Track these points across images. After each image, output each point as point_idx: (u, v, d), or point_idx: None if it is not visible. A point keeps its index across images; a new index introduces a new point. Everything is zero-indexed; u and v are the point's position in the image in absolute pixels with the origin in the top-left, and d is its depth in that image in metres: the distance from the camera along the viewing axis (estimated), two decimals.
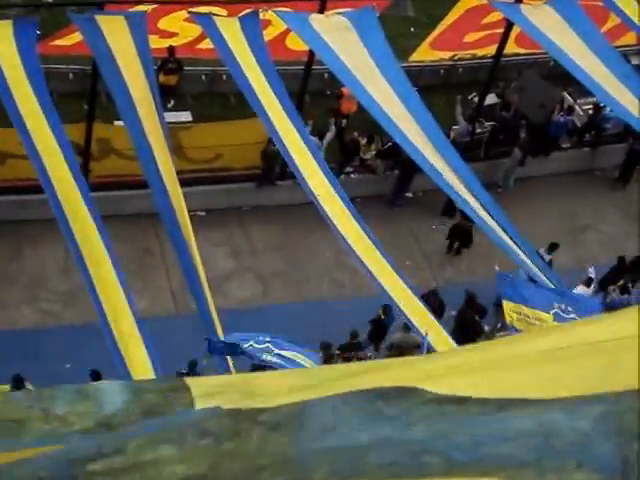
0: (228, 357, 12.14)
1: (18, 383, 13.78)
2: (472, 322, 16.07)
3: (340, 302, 16.22)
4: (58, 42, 18.35)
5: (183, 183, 13.18)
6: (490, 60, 19.44)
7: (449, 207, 19.07)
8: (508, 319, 12.48)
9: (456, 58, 21.05)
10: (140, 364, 11.59)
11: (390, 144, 18.76)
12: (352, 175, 19.47)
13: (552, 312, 12.39)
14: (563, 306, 12.45)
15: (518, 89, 20.30)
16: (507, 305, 12.41)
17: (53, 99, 17.31)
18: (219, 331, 12.15)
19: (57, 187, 12.67)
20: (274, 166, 18.59)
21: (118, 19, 14.68)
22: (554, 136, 20.24)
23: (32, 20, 15.17)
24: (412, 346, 15.26)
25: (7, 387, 13.83)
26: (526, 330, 12.27)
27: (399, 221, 19.28)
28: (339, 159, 19.01)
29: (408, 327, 14.13)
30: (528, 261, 13.30)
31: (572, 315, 12.44)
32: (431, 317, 12.94)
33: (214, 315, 12.19)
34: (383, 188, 19.84)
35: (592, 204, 19.73)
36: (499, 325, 16.63)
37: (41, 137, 13.18)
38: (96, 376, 14.12)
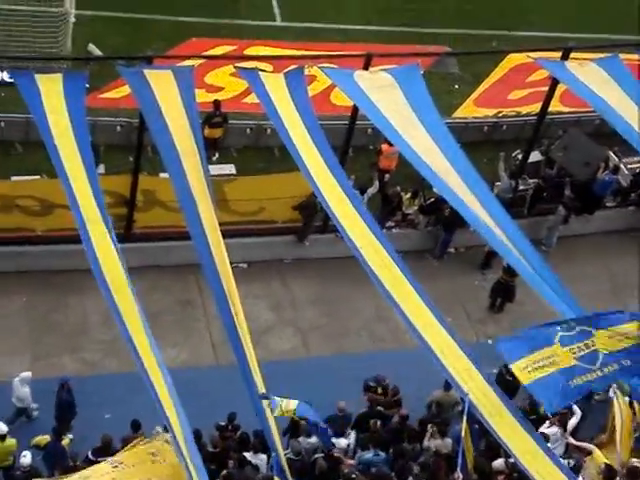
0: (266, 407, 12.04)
1: (58, 434, 13.82)
2: (510, 382, 15.87)
3: (381, 354, 16.12)
4: (107, 95, 18.71)
5: (225, 235, 13.25)
6: (534, 118, 19.43)
7: (488, 260, 18.98)
8: (525, 381, 12.22)
9: (500, 115, 21.08)
10: (175, 417, 11.53)
11: (432, 199, 18.77)
12: (394, 229, 19.46)
13: (556, 340, 12.15)
14: (564, 325, 12.19)
15: (563, 147, 20.24)
16: (516, 367, 12.20)
17: (100, 151, 17.69)
18: (259, 384, 12.10)
19: (93, 237, 12.80)
20: (312, 219, 18.68)
21: (166, 73, 14.93)
22: (599, 195, 20.10)
23: (81, 74, 15.46)
24: (452, 404, 15.11)
25: (47, 437, 13.87)
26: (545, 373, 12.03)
27: (441, 276, 19.20)
28: (380, 213, 19.04)
29: (449, 385, 13.97)
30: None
31: (577, 329, 12.11)
32: (477, 374, 12.70)
33: (255, 368, 12.14)
34: (424, 243, 19.80)
35: (636, 264, 19.48)
36: None
37: (79, 188, 13.37)
38: (137, 426, 14.13)
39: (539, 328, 12.34)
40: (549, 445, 13.82)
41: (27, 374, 15.17)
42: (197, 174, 13.77)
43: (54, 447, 13.68)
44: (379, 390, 15.33)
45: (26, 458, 13.51)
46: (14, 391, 15.21)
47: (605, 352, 12.15)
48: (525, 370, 11.99)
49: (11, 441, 13.85)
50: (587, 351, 12.11)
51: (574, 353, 12.07)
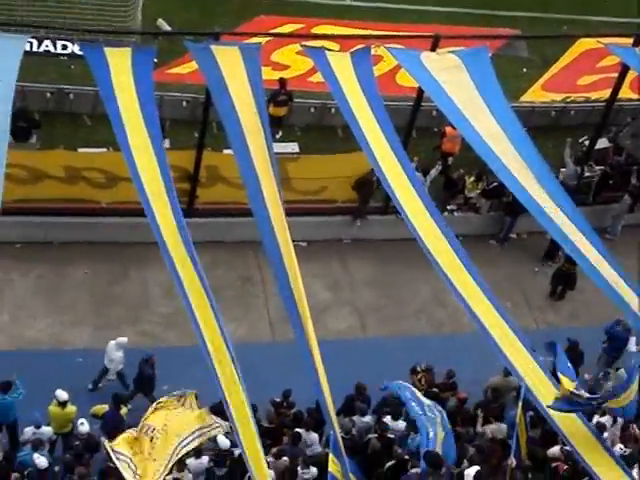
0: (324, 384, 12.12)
1: (117, 402, 14.03)
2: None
3: (437, 338, 16.13)
4: (174, 70, 18.85)
5: (287, 213, 13.29)
6: (603, 104, 19.13)
7: (552, 250, 18.76)
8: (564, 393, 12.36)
9: (568, 100, 20.78)
10: (234, 387, 11.64)
11: (496, 183, 18.61)
12: (455, 213, 19.35)
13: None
14: None
15: (631, 134, 19.90)
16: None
17: (166, 126, 17.84)
18: (317, 361, 12.14)
19: (156, 212, 12.91)
20: (369, 198, 18.66)
21: (233, 50, 14.97)
22: None
23: (150, 48, 15.59)
24: (510, 390, 14.99)
25: (106, 407, 14.10)
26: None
27: (501, 262, 19.06)
28: (442, 196, 18.94)
29: (508, 371, 13.88)
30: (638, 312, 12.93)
31: None
32: (533, 361, 12.64)
33: (313, 345, 12.18)
34: (486, 228, 19.65)
35: None
36: (601, 374, 16.24)
37: (144, 161, 13.48)
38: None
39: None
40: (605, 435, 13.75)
41: (123, 339, 15.45)
42: (261, 151, 13.81)
43: (112, 416, 13.90)
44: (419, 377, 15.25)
45: (84, 426, 13.77)
46: (107, 353, 15.50)
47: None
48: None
49: (71, 408, 14.12)
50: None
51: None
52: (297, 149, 19.46)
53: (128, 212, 17.07)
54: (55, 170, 17.46)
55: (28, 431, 13.81)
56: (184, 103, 19.89)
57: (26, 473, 12.79)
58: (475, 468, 12.77)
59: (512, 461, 12.76)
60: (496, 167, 14.34)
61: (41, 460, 12.89)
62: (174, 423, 12.31)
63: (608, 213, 19.75)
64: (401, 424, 14.48)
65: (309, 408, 14.25)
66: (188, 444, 12.31)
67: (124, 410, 14.08)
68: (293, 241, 12.87)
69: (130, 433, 12.41)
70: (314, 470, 13.27)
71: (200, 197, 18.20)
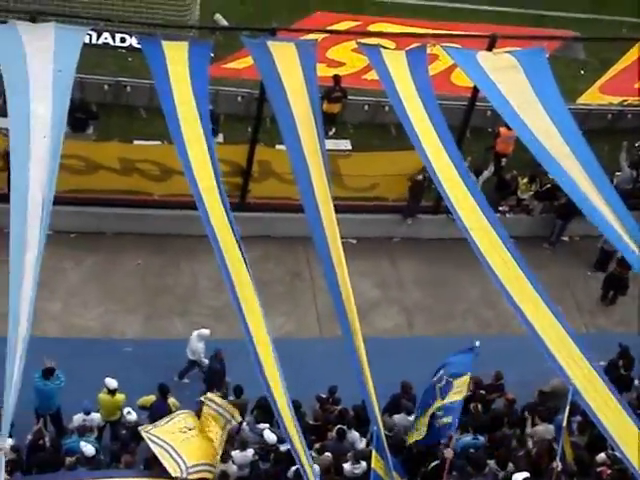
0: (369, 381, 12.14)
1: (164, 393, 14.17)
2: (622, 375, 15.56)
3: (485, 339, 15.98)
4: (230, 65, 18.99)
5: (337, 210, 13.33)
6: None
7: (602, 260, 18.52)
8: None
9: (625, 104, 20.53)
10: (277, 384, 11.72)
11: (549, 185, 18.46)
12: (507, 214, 19.22)
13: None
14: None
15: None
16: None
17: (220, 120, 17.97)
18: (362, 359, 12.17)
19: (207, 205, 13.01)
20: (420, 198, 18.62)
21: (289, 46, 15.03)
22: None
23: (206, 43, 15.71)
24: (566, 393, 14.82)
25: (153, 397, 14.24)
26: None
27: (552, 264, 18.90)
28: (494, 197, 18.83)
29: None
30: None
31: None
32: (588, 365, 12.50)
33: (359, 343, 12.21)
34: (538, 230, 19.50)
35: None
36: None
37: (196, 156, 13.59)
38: (239, 392, 14.41)
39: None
40: None
41: (206, 331, 15.51)
42: (313, 148, 13.86)
43: (160, 406, 14.04)
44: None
45: (131, 415, 13.91)
46: (189, 344, 15.64)
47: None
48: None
49: (120, 396, 14.28)
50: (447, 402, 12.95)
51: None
52: (349, 146, 19.47)
53: (180, 205, 17.24)
54: (110, 161, 17.68)
55: (78, 418, 13.98)
56: (239, 98, 20.00)
57: (74, 460, 12.97)
58: (524, 475, 12.68)
59: (558, 464, 12.67)
60: (551, 168, 14.24)
61: (88, 448, 13.07)
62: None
63: None
64: None
65: (355, 405, 14.26)
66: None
67: (172, 400, 14.21)
68: (342, 238, 12.91)
69: (169, 425, 12.58)
70: (364, 464, 13.29)
71: (252, 191, 18.30)
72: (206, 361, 15.62)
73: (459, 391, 12.90)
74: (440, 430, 13.02)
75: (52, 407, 14.33)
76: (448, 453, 12.98)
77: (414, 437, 13.39)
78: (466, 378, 13.02)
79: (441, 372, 13.29)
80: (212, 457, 12.51)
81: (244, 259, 12.58)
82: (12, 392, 10.34)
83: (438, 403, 13.00)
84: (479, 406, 14.72)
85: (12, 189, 12.16)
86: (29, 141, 12.36)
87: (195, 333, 15.66)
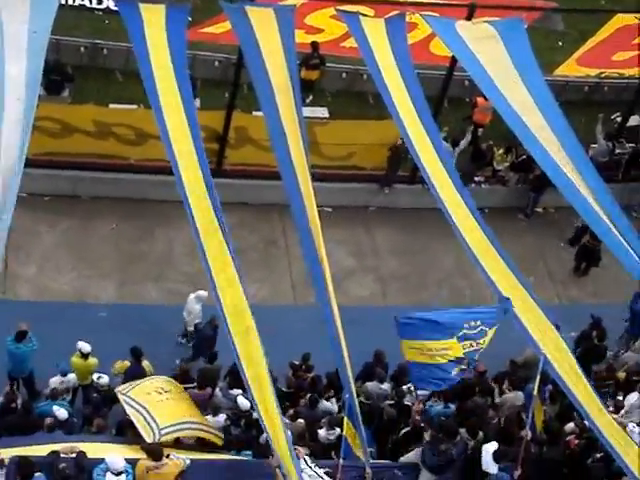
0: (344, 350, 12.18)
1: (137, 356, 14.18)
2: (595, 346, 15.73)
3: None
4: (207, 29, 18.81)
5: (313, 178, 13.31)
6: (637, 81, 18.93)
7: (577, 237, 18.61)
8: (408, 357, 12.34)
9: (602, 76, 20.58)
10: (252, 357, 11.73)
11: (524, 157, 18.52)
12: (482, 185, 19.28)
13: (455, 337, 12.15)
14: (472, 323, 12.25)
15: None
16: (405, 344, 12.27)
17: (197, 85, 17.84)
18: (338, 326, 12.22)
19: (183, 170, 12.93)
20: (398, 167, 18.63)
21: (267, 11, 14.92)
22: None
23: (184, 6, 15.56)
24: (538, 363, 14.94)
25: (127, 363, 14.23)
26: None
27: (526, 236, 19.01)
28: (470, 167, 18.87)
29: None
30: None
31: (480, 328, 12.24)
32: (557, 336, 12.65)
33: (335, 310, 12.25)
34: (513, 200, 19.58)
35: None
36: (622, 352, 16.22)
37: (174, 120, 13.49)
38: (213, 358, 14.45)
39: (447, 318, 12.34)
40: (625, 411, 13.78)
41: (203, 293, 15.29)
42: (291, 114, 13.79)
43: (134, 370, 14.06)
44: None
45: (103, 378, 13.92)
46: (186, 305, 15.60)
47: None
48: (413, 349, 12.24)
49: (93, 360, 14.27)
50: (474, 348, 12.36)
51: (465, 348, 12.30)
52: (327, 114, 19.42)
53: (156, 170, 17.16)
54: (85, 124, 17.55)
55: (55, 380, 13.98)
56: (216, 63, 19.87)
57: (51, 422, 12.97)
58: (494, 445, 12.82)
59: (527, 433, 12.81)
60: (526, 139, 14.28)
61: (61, 412, 13.08)
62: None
63: (638, 191, 19.61)
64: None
65: (328, 372, 14.35)
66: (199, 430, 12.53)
67: (145, 363, 14.22)
68: (319, 206, 12.90)
69: (145, 385, 12.58)
70: (338, 431, 13.39)
71: (229, 158, 18.24)
72: (197, 322, 15.57)
73: (482, 342, 12.54)
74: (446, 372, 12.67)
75: (24, 370, 14.32)
76: (417, 406, 13.11)
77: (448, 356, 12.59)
78: (493, 331, 12.59)
79: (473, 316, 12.65)
80: (195, 415, 12.53)
81: (221, 225, 12.52)
82: None
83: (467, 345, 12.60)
84: None
85: None
86: (2, 103, 12.23)
87: (192, 295, 15.60)
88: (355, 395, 12.41)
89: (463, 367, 12.48)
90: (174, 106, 13.64)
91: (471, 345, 12.30)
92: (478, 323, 12.28)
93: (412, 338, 12.26)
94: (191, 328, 15.72)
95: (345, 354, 12.16)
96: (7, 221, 11.21)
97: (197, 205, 12.63)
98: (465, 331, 12.27)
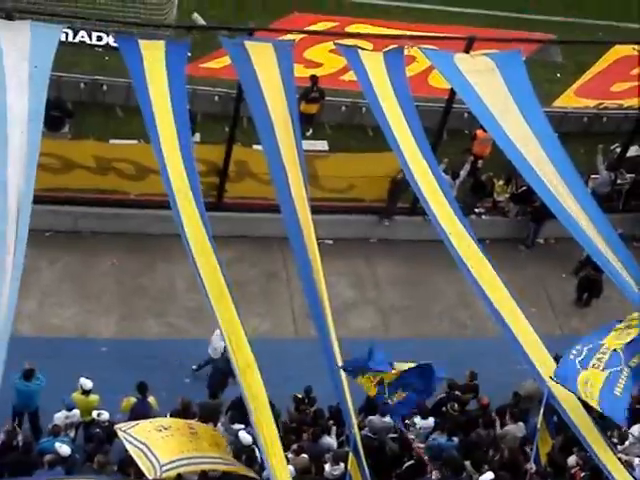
0: (344, 383, 12.12)
1: (142, 391, 14.10)
2: None
3: (460, 341, 16.12)
4: (207, 64, 18.95)
5: (314, 211, 13.32)
6: (636, 111, 18.99)
7: (581, 269, 18.57)
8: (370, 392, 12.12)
9: (601, 107, 20.65)
10: (253, 392, 11.70)
11: (524, 187, 18.54)
12: (483, 216, 19.30)
13: (579, 366, 11.75)
14: (575, 352, 11.98)
15: None
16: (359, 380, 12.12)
17: (197, 119, 17.92)
18: (338, 359, 12.17)
19: (180, 206, 12.95)
20: (398, 199, 18.65)
21: (267, 46, 15.01)
22: None
23: (184, 42, 15.67)
24: (539, 396, 14.88)
25: (133, 399, 14.14)
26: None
27: (528, 267, 18.99)
28: (470, 199, 18.89)
29: None
30: None
31: (585, 348, 11.97)
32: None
33: (334, 343, 12.21)
34: (514, 232, 19.59)
35: None
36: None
37: (171, 155, 13.54)
38: (216, 393, 14.39)
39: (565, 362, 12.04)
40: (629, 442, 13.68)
41: None
42: (290, 148, 13.83)
43: (141, 406, 13.96)
44: None
45: (104, 415, 13.85)
46: (212, 342, 15.46)
47: (620, 349, 12.02)
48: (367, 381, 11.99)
49: (94, 397, 14.21)
50: (606, 356, 11.97)
51: (597, 367, 11.89)
52: (327, 147, 19.49)
53: (157, 204, 17.17)
54: (86, 160, 17.59)
55: (60, 416, 13.90)
56: (216, 97, 19.97)
57: (47, 460, 12.89)
58: (490, 475, 12.73)
59: (532, 466, 12.72)
60: (525, 171, 14.31)
61: (64, 448, 12.99)
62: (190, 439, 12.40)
63: (637, 221, 19.61)
64: (430, 421, 14.50)
65: (330, 406, 14.27)
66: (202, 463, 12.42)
67: (151, 399, 14.14)
68: (319, 239, 12.90)
69: (145, 424, 12.50)
70: (342, 466, 13.29)
71: (229, 191, 18.27)
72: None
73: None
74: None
75: (32, 407, 14.30)
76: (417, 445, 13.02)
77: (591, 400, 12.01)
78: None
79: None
80: (202, 450, 12.41)
81: (217, 261, 12.54)
82: None
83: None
84: (455, 405, 14.75)
85: None
86: (6, 137, 12.25)
87: (217, 332, 15.47)
88: (357, 429, 12.33)
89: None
90: (172, 141, 13.70)
91: (599, 359, 11.89)
92: (579, 347, 12.03)
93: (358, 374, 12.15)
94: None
95: (346, 388, 12.10)
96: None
97: (195, 241, 12.65)
98: (578, 359, 11.96)
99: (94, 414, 13.89)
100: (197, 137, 18.33)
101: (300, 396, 14.83)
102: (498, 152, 15.63)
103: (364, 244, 19.10)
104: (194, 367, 15.99)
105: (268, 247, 18.28)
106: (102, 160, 17.64)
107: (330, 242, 17.95)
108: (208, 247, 12.60)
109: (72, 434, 13.92)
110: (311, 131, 19.96)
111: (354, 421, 12.20)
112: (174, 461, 12.08)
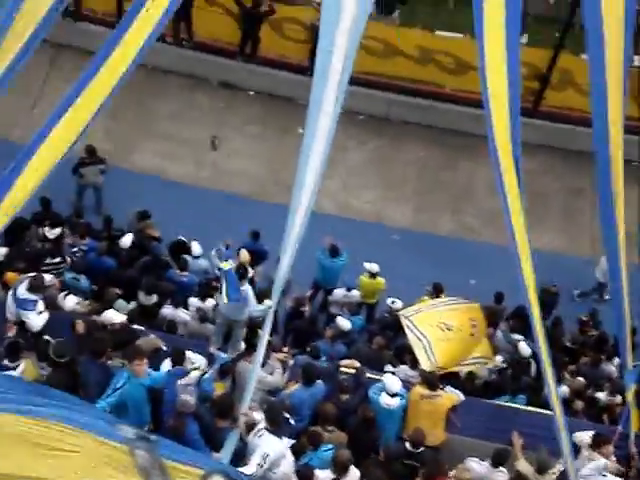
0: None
1: (438, 291, 13.99)
2: None
3: None
4: None
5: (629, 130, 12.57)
6: None
7: None
8: None
9: None
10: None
11: None
12: None
13: None
14: None
15: None
16: None
17: (526, 21, 17.32)
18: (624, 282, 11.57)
19: (492, 111, 12.58)
20: None
21: None
22: None
23: None
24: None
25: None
26: None
27: None
28: None
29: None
30: None
31: None
32: None
33: (623, 269, 11.62)
34: None
35: None
36: None
37: (494, 56, 13.11)
38: (500, 298, 14.22)
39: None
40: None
41: None
42: (617, 59, 13.03)
43: None
44: None
45: (397, 303, 13.72)
46: (600, 264, 15.15)
47: None
48: None
49: (381, 280, 14.29)
50: None
51: None
52: None
53: (470, 101, 16.98)
54: (409, 49, 17.64)
55: (339, 292, 14.44)
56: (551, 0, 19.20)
57: (327, 335, 13.31)
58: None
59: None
60: None
61: (345, 322, 13.36)
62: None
63: None
64: None
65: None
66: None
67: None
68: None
69: (430, 313, 12.54)
70: (619, 398, 12.77)
71: (547, 99, 17.68)
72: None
73: None
74: None
75: (333, 282, 14.73)
76: None
77: None
78: None
79: None
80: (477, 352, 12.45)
81: (517, 169, 12.15)
82: (287, 256, 10.46)
83: None
84: None
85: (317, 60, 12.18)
86: (339, 16, 12.34)
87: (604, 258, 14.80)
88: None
89: None
90: (497, 41, 13.29)
91: None
92: None
93: None
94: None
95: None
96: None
97: (502, 148, 12.33)
98: None
99: (388, 301, 14.12)
100: (524, 39, 17.78)
101: (585, 318, 14.42)
102: None
103: None
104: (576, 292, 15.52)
105: (577, 162, 17.61)
106: (425, 50, 17.63)
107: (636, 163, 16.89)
108: (511, 157, 12.24)
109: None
110: None
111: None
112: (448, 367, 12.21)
